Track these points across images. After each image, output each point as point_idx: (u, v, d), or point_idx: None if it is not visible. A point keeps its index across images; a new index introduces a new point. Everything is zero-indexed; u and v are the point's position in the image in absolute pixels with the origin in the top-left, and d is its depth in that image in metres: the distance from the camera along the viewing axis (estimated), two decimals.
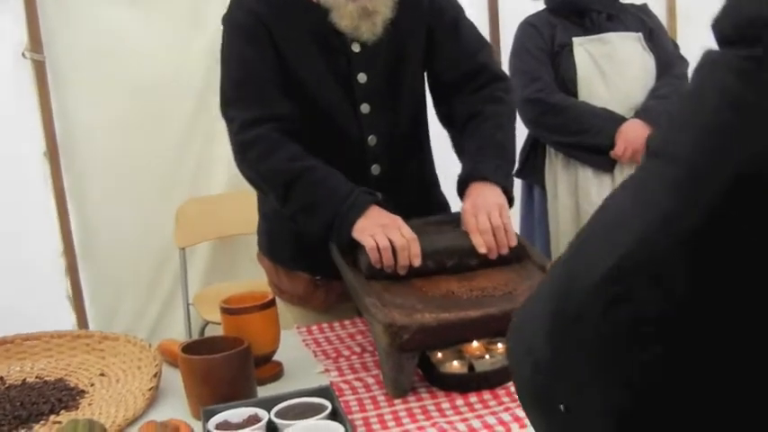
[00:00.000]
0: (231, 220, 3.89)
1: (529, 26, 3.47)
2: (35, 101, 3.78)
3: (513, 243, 2.07)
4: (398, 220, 2.06)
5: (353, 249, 2.06)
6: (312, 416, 1.68)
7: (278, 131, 2.15)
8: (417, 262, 2.01)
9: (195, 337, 3.81)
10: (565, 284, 0.74)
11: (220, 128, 3.84)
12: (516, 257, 2.08)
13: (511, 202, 2.19)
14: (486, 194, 2.14)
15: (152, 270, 4.05)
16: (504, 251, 2.06)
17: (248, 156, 2.17)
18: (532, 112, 3.37)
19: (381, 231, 2.01)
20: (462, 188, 2.21)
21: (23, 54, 3.76)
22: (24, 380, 2.14)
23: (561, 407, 0.73)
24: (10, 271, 3.80)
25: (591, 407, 0.71)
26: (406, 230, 2.03)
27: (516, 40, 3.49)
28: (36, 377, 2.15)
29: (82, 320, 3.94)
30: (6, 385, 2.12)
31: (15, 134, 3.80)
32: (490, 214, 2.08)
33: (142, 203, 3.95)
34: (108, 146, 3.89)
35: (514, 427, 1.68)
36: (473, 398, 1.82)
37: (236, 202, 3.79)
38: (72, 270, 3.93)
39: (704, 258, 0.65)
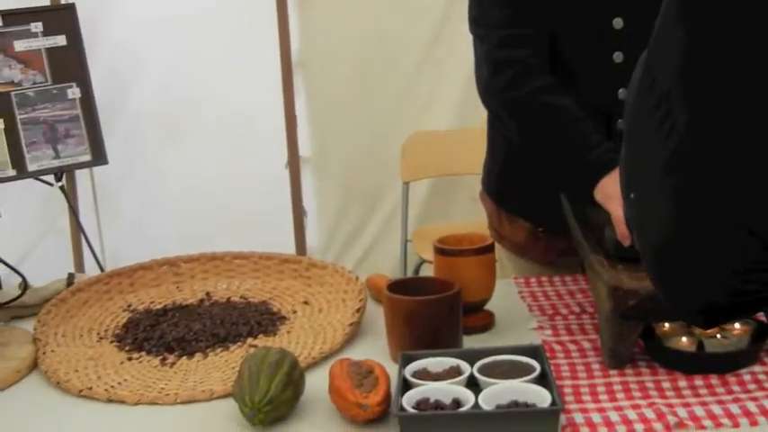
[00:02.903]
0: (455, 158, 3.78)
1: None
2: (275, 16, 3.82)
3: None
4: None
5: (588, 206, 1.85)
6: (518, 376, 1.53)
7: (533, 57, 1.96)
8: None
9: (410, 274, 3.74)
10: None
11: (453, 62, 3.85)
12: None
13: None
14: None
15: (374, 197, 4.06)
16: None
17: (496, 79, 1.97)
18: None
19: None
20: None
21: None
22: (229, 298, 2.10)
23: (632, 196, 0.87)
24: (242, 177, 3.92)
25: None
26: None
27: None
28: (241, 297, 2.10)
29: (299, 232, 3.99)
30: (211, 301, 2.09)
31: (254, 49, 3.86)
32: None
33: (370, 129, 3.94)
34: (343, 67, 3.91)
35: (743, 422, 1.47)
36: (698, 381, 1.61)
37: (462, 139, 3.69)
38: (295, 185, 3.98)
39: None
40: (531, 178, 2.08)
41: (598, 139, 1.87)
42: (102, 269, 3.38)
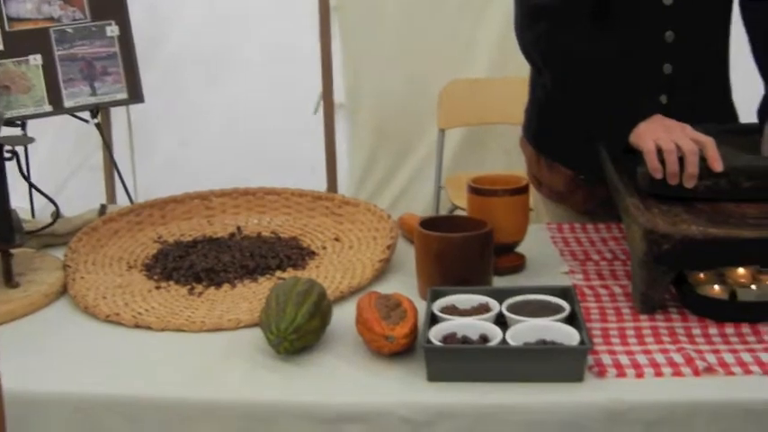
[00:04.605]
0: (492, 107, 3.75)
1: None
2: None
3: None
4: (687, 126, 1.74)
5: (626, 156, 1.81)
6: (547, 315, 1.52)
7: (574, 6, 1.94)
8: (719, 166, 1.66)
9: None
10: None
11: (492, 7, 3.81)
12: None
13: None
14: None
15: (406, 143, 4.05)
16: None
17: (536, 27, 1.96)
18: None
19: (666, 136, 1.70)
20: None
21: None
22: (260, 233, 2.09)
23: None
24: (277, 119, 3.91)
25: None
26: (699, 135, 1.70)
27: None
28: (271, 232, 2.10)
29: (332, 175, 3.99)
30: (242, 235, 2.09)
31: None
32: None
33: (406, 75, 3.92)
34: (380, 11, 3.89)
35: None
36: (729, 329, 1.58)
37: (500, 88, 3.66)
38: (329, 128, 3.96)
39: None
40: (571, 124, 2.06)
41: (633, 88, 1.88)
42: None
